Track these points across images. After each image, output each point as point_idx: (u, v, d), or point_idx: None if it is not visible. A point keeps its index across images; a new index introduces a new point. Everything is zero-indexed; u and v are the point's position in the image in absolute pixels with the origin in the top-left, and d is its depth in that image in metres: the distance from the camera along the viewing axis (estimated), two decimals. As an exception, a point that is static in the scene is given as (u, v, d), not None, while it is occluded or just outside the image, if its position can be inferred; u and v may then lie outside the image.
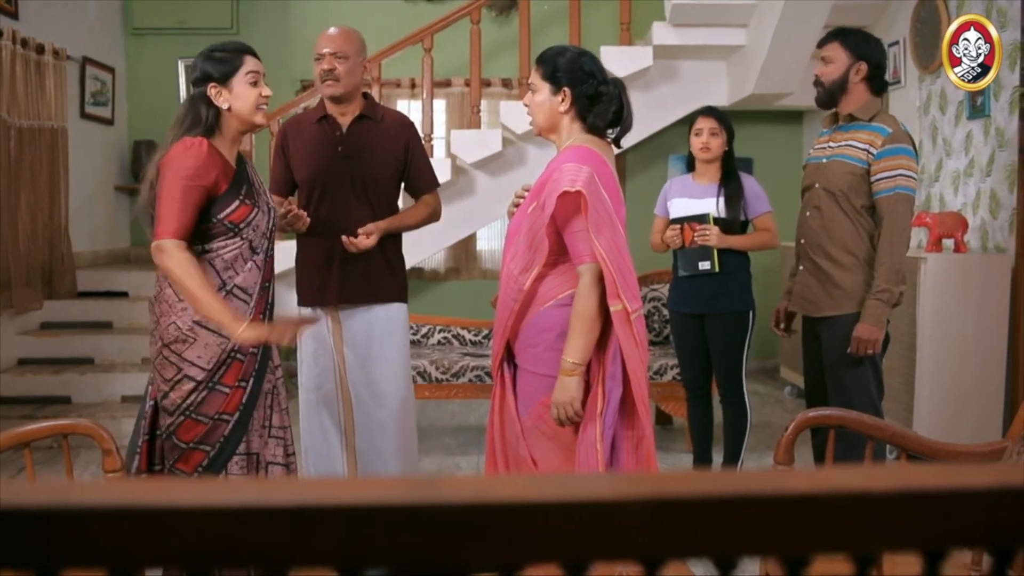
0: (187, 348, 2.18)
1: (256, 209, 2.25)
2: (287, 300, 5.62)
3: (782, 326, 3.16)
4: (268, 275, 2.34)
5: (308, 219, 2.76)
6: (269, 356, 2.31)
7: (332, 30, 2.91)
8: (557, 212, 2.08)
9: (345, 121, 2.91)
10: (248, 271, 2.26)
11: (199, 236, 2.21)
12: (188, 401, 2.19)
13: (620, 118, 2.23)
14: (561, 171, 2.09)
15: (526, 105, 2.27)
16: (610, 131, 2.26)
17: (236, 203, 2.21)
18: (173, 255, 2.12)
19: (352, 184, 2.87)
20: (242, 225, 2.22)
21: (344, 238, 2.79)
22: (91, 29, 5.76)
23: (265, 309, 2.32)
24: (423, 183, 3.03)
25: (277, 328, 2.24)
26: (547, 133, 2.26)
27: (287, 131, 2.98)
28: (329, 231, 2.83)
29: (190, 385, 2.18)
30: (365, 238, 2.79)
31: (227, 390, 2.21)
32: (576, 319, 2.08)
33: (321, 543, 0.51)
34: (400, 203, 3.08)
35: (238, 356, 2.22)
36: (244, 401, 2.23)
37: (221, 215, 2.20)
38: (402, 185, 3.05)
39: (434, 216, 3.05)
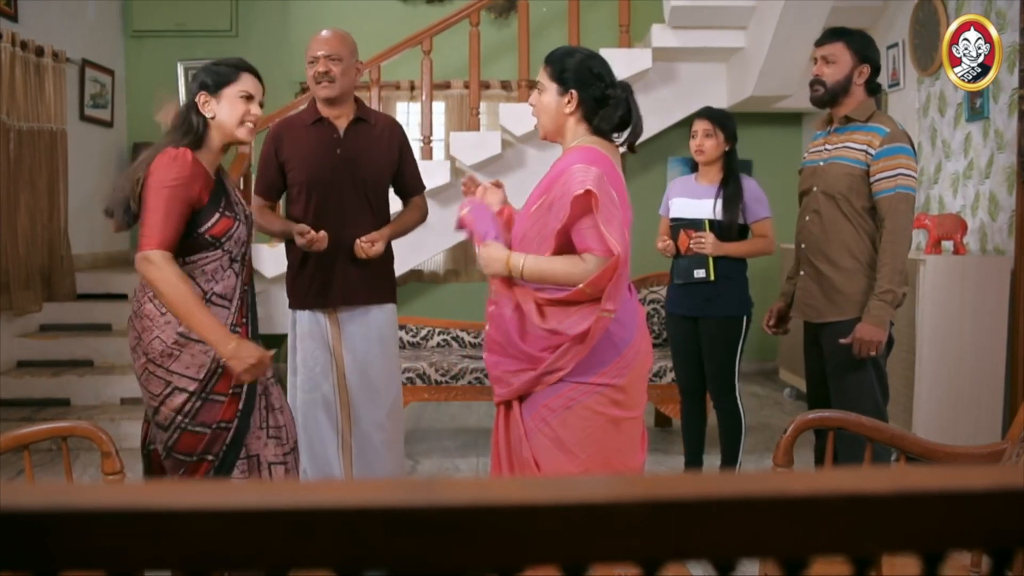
0: (174, 361, 2.16)
1: (237, 221, 2.25)
2: (282, 302, 5.60)
3: (772, 322, 3.13)
4: (247, 279, 2.34)
5: (326, 243, 2.79)
6: None
7: (324, 32, 2.91)
8: (570, 215, 2.07)
9: (341, 124, 2.91)
10: (227, 279, 2.25)
11: (180, 248, 2.18)
12: (182, 414, 2.16)
13: (627, 122, 2.22)
14: (570, 173, 2.08)
15: (532, 104, 2.26)
16: (617, 135, 2.24)
17: (217, 216, 2.20)
18: (162, 268, 2.10)
19: (353, 186, 2.89)
20: (223, 239, 2.21)
21: (357, 243, 2.82)
22: (91, 31, 5.76)
23: (247, 313, 2.31)
24: (415, 185, 3.08)
25: (264, 357, 2.15)
26: (553, 136, 2.25)
27: (280, 134, 2.95)
28: (330, 234, 2.83)
29: (182, 397, 2.16)
30: (371, 246, 2.83)
31: (222, 398, 2.19)
32: (556, 265, 2.10)
33: (319, 545, 0.51)
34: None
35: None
36: (241, 408, 2.22)
37: (202, 228, 2.18)
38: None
39: (424, 218, 3.09)
